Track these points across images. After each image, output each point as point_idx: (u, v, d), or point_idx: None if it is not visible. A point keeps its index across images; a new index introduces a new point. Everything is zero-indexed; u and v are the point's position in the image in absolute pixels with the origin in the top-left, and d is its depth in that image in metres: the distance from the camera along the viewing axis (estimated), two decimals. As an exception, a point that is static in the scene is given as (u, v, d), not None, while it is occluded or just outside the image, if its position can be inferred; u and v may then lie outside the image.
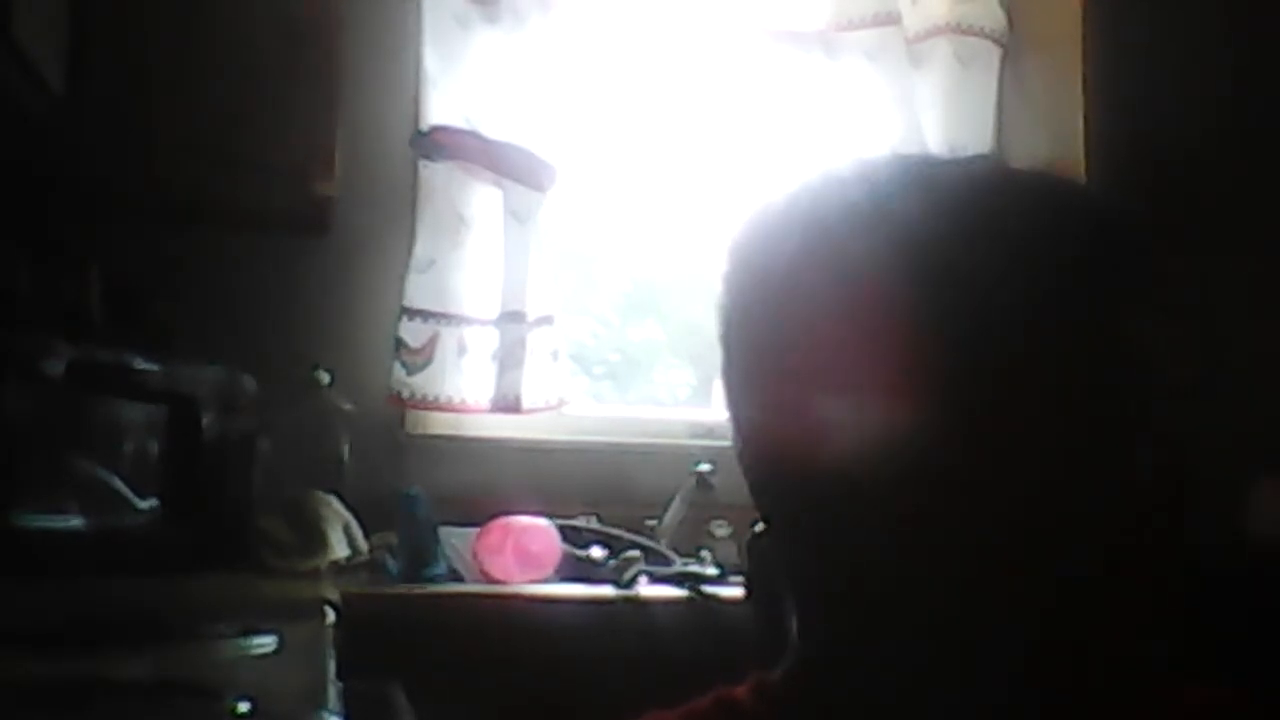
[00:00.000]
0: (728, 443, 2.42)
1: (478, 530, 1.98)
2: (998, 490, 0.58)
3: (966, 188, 0.64)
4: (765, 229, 0.67)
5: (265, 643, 1.52)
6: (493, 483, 2.17)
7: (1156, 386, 0.60)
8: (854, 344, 0.60)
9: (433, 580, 1.91)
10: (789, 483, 0.63)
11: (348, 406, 2.10)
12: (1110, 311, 0.60)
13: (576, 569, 2.00)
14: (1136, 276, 0.62)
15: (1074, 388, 0.59)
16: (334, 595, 1.66)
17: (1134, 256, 0.62)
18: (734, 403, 0.67)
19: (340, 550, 1.86)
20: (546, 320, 2.31)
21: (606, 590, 1.92)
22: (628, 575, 1.94)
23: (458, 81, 2.28)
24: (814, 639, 0.66)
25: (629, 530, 2.13)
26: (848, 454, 0.59)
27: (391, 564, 1.94)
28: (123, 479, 1.71)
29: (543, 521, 2.00)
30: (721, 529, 2.19)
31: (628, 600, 1.90)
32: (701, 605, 1.90)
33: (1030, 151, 2.47)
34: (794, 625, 0.67)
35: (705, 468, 2.22)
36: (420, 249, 2.25)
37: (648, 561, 2.01)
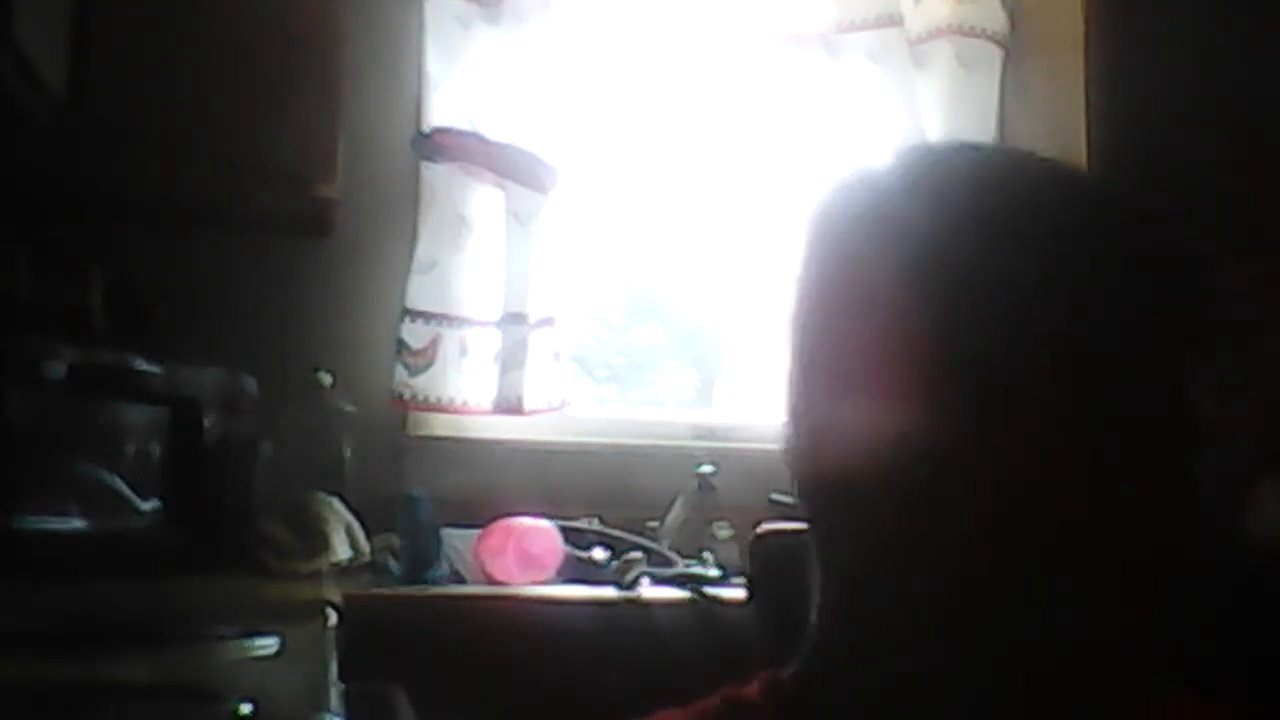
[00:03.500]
0: (730, 444, 2.42)
1: (479, 532, 1.98)
2: (1041, 490, 0.58)
3: (1053, 185, 0.64)
4: (848, 211, 0.67)
5: (267, 644, 1.52)
6: (494, 484, 2.17)
7: (1197, 394, 0.60)
8: (923, 336, 0.59)
9: (434, 582, 1.91)
10: (843, 479, 0.62)
11: (349, 408, 2.10)
12: (1176, 320, 0.61)
13: (578, 570, 2.00)
14: (1194, 289, 0.63)
15: (1135, 389, 0.59)
16: (335, 597, 1.66)
17: (1196, 274, 0.63)
18: (801, 396, 0.66)
19: (342, 552, 1.86)
20: (548, 322, 2.31)
21: (608, 592, 1.92)
22: (629, 577, 1.93)
23: (459, 83, 2.28)
24: (833, 639, 0.66)
25: (631, 532, 2.13)
26: (902, 450, 0.59)
27: (393, 566, 1.94)
28: (124, 481, 1.71)
29: (544, 523, 2.00)
30: (723, 531, 2.19)
31: (629, 602, 1.90)
32: (703, 607, 1.90)
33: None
34: (812, 624, 0.67)
35: (707, 469, 2.22)
36: (422, 250, 2.25)
37: (650, 563, 2.01)
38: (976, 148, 0.69)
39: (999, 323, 0.59)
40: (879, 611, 0.63)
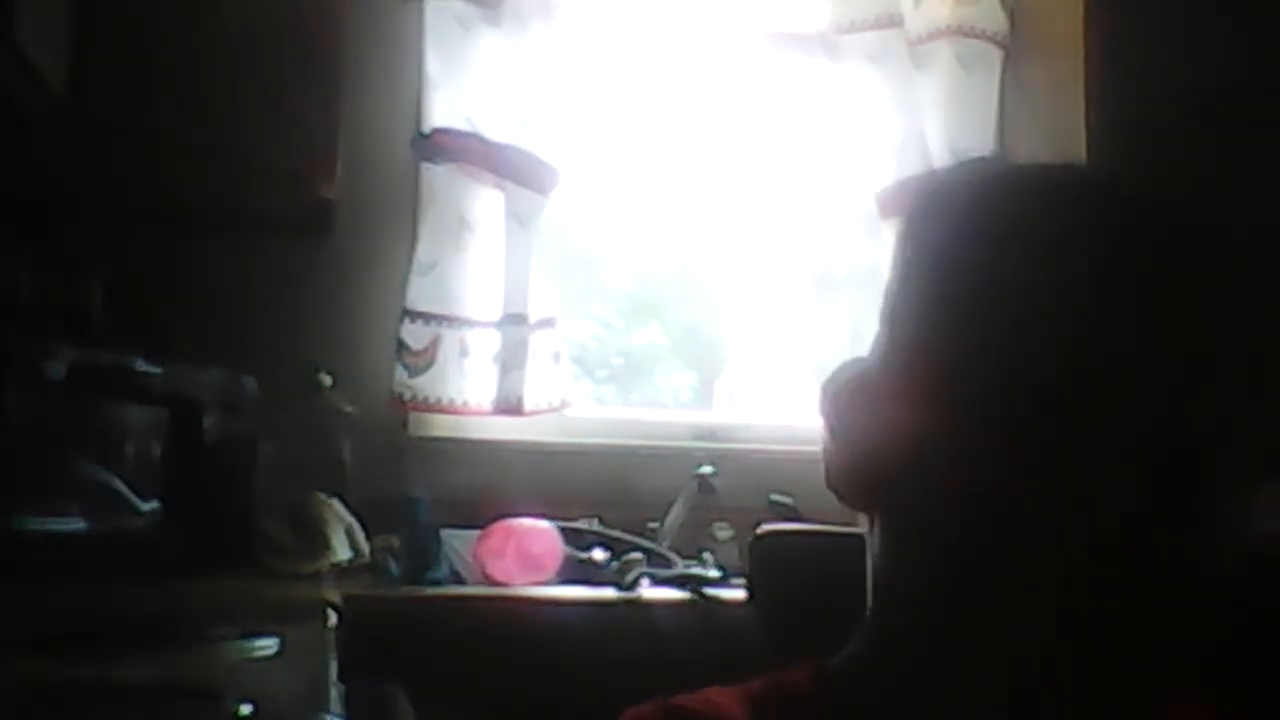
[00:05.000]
0: (729, 445, 2.41)
1: (479, 532, 1.98)
2: (1092, 488, 0.58)
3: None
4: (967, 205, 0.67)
5: (267, 645, 1.52)
6: (494, 485, 2.17)
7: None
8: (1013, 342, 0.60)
9: (434, 583, 1.91)
10: (887, 475, 0.64)
11: (349, 409, 2.10)
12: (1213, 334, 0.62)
13: (578, 571, 2.00)
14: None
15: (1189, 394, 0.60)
16: (336, 597, 1.66)
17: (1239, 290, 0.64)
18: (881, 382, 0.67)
19: (342, 553, 1.86)
20: (548, 323, 2.31)
21: (608, 592, 1.92)
22: (629, 577, 1.93)
23: (460, 84, 2.28)
24: (880, 627, 0.67)
25: (631, 533, 2.13)
26: (974, 443, 0.60)
27: (393, 566, 1.94)
28: (125, 481, 1.71)
29: (544, 524, 2.00)
30: (723, 531, 2.19)
31: (629, 603, 1.90)
32: (703, 607, 1.90)
33: (1032, 154, 2.47)
34: (870, 609, 0.68)
35: (707, 470, 2.22)
36: (422, 251, 2.25)
37: (649, 564, 2.01)
38: (1064, 166, 0.70)
39: (1044, 331, 0.60)
40: (922, 601, 0.64)
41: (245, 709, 1.46)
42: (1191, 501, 0.59)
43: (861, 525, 0.69)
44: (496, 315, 2.28)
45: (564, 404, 2.33)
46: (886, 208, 2.42)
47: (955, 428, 0.61)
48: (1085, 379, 0.59)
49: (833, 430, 0.68)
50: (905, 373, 0.64)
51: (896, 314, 0.67)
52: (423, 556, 1.93)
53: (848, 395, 0.68)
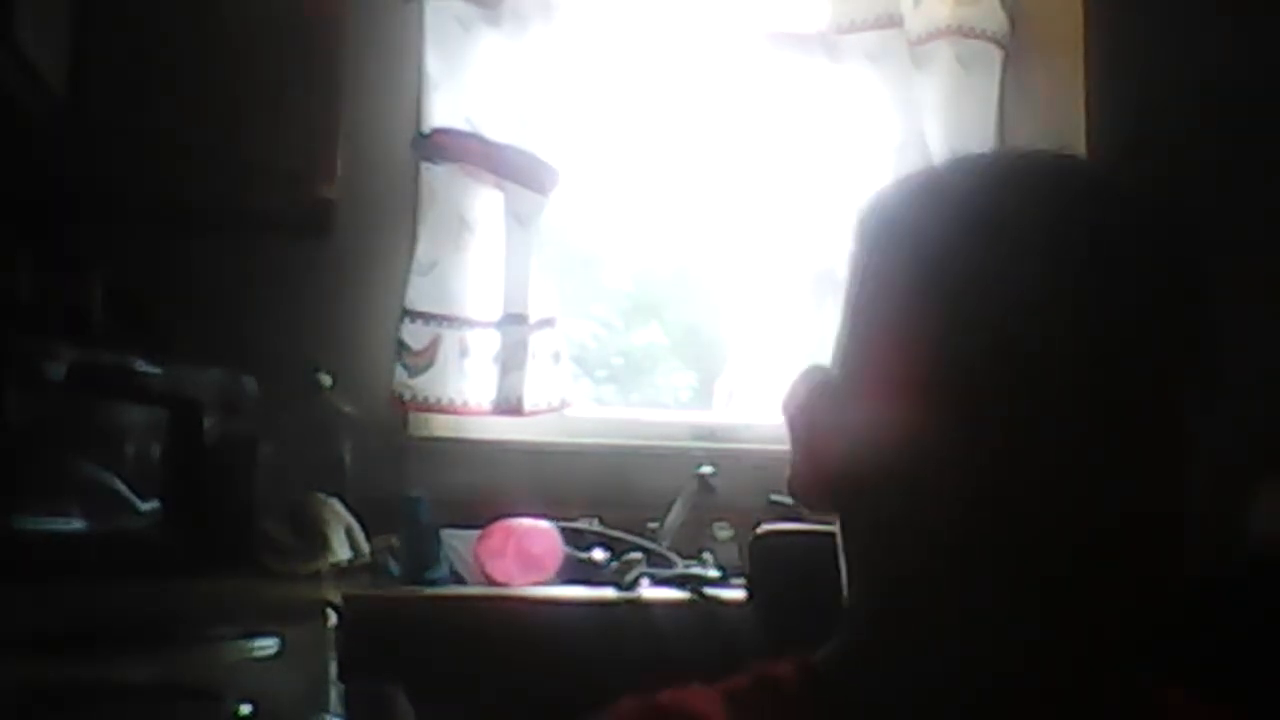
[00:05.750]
0: (729, 445, 2.42)
1: (479, 532, 1.98)
2: (1067, 483, 0.58)
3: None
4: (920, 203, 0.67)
5: (267, 645, 1.53)
6: (494, 485, 2.17)
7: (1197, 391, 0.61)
8: (980, 331, 0.60)
9: (434, 583, 1.91)
10: (870, 472, 0.64)
11: (349, 409, 2.10)
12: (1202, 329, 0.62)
13: (578, 571, 2.00)
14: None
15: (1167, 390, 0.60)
16: (335, 597, 1.66)
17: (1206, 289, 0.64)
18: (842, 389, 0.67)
19: (342, 553, 1.86)
20: (548, 323, 2.31)
21: (608, 592, 1.92)
22: (629, 577, 1.94)
23: (460, 84, 2.28)
24: (865, 622, 0.67)
25: (630, 532, 2.13)
26: (941, 436, 0.60)
27: (393, 566, 1.94)
28: (124, 481, 1.71)
29: (544, 524, 2.00)
30: (723, 531, 2.19)
31: (629, 602, 1.90)
32: (703, 607, 1.90)
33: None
34: (846, 606, 0.68)
35: (707, 470, 2.22)
36: (422, 251, 2.25)
37: (649, 564, 2.01)
38: (1021, 154, 0.69)
39: (1009, 328, 0.59)
40: (904, 597, 0.63)
41: (245, 709, 1.46)
42: (1185, 498, 0.59)
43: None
44: (496, 315, 2.28)
45: (564, 404, 2.33)
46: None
47: (942, 425, 0.60)
48: (1081, 376, 0.59)
49: (802, 438, 0.68)
50: (883, 373, 0.64)
51: (866, 315, 0.67)
52: (423, 556, 1.93)
53: (814, 403, 0.68)
